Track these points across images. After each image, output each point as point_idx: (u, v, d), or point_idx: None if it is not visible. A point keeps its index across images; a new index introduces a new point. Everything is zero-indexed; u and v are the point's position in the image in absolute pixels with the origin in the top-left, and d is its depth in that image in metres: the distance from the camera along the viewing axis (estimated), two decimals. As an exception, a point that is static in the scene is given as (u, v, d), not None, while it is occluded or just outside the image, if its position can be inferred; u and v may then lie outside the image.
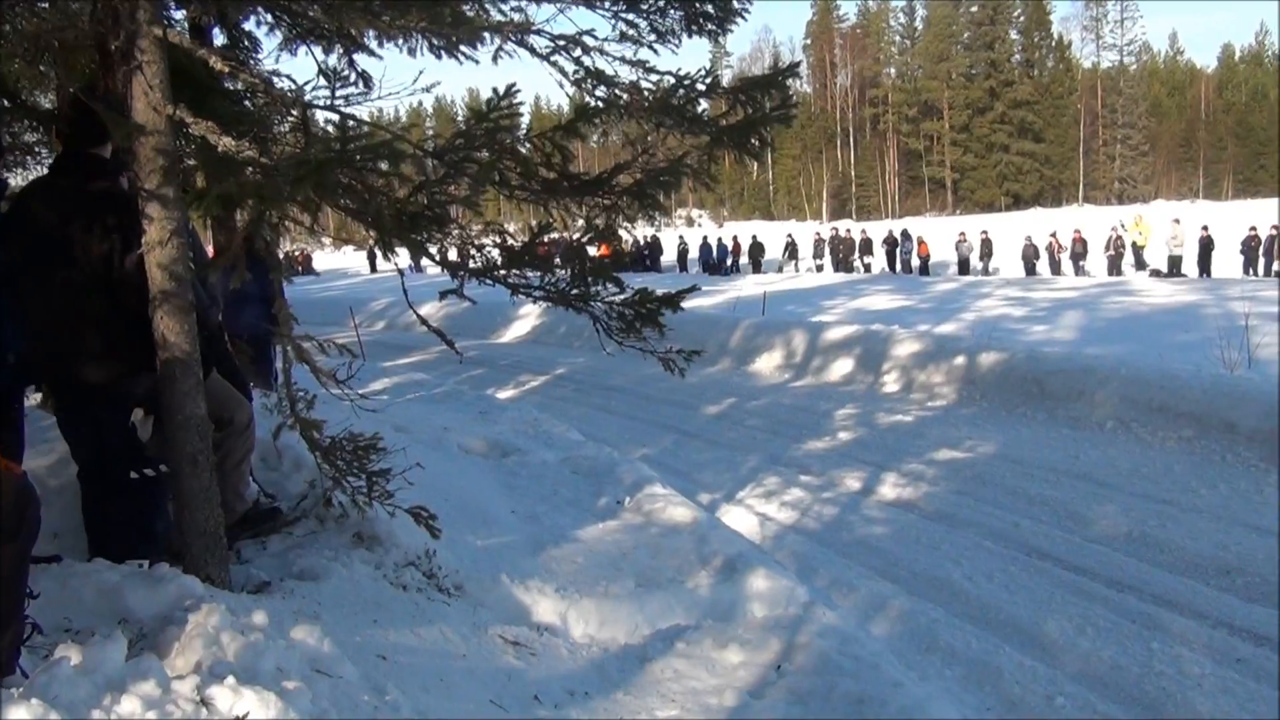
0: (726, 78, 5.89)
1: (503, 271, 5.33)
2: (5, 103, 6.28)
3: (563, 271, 5.47)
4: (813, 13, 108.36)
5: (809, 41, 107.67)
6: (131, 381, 4.40)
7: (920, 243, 42.42)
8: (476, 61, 5.57)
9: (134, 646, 3.32)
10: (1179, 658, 5.73)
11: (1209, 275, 31.53)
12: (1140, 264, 35.97)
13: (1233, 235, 33.77)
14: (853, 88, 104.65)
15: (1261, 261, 32.38)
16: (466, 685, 4.22)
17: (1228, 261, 32.84)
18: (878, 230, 49.98)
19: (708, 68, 5.68)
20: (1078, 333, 17.79)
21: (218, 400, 4.80)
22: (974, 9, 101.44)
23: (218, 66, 4.28)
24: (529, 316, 22.35)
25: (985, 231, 42.51)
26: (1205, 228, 33.91)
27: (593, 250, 5.90)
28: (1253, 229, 33.28)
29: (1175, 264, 33.53)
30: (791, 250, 48.31)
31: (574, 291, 5.52)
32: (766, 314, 20.03)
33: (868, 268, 44.24)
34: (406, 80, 5.87)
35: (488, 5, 5.50)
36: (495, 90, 5.09)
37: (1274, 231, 32.32)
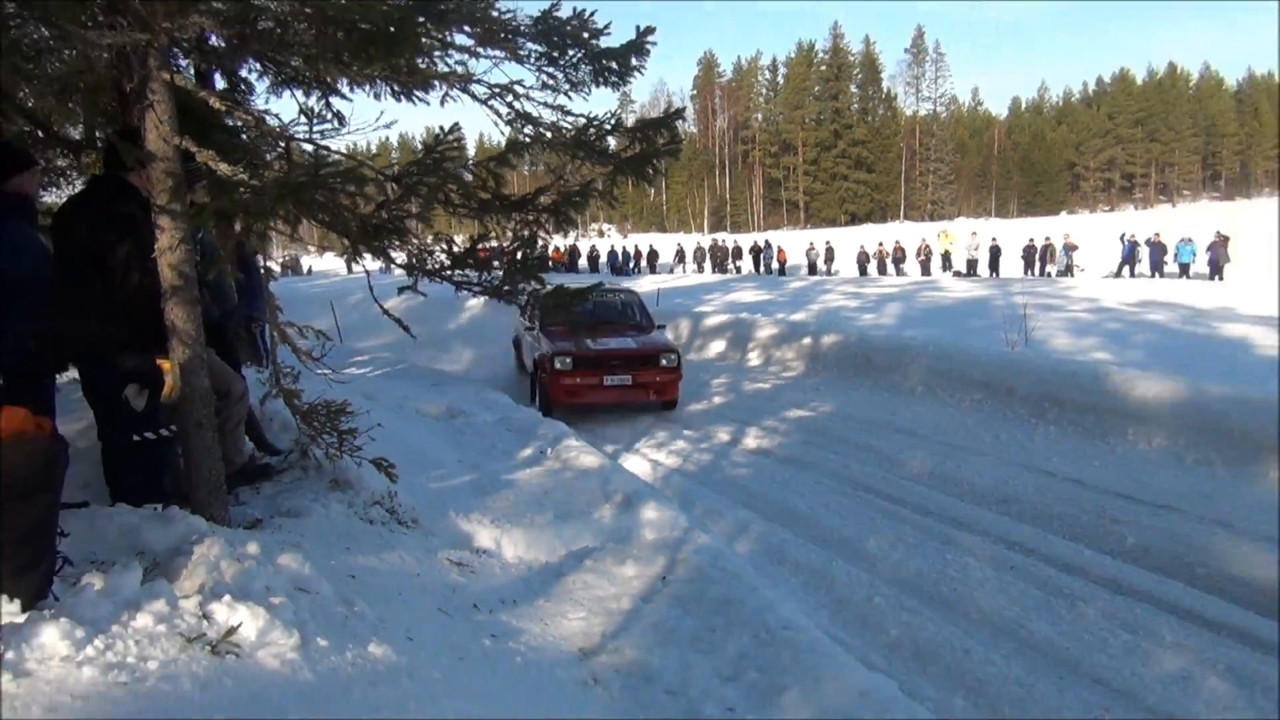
0: (630, 120, 5.95)
1: (449, 271, 5.32)
2: (40, 133, 6.09)
3: (497, 271, 5.46)
4: (698, 69, 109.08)
5: (695, 92, 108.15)
6: (120, 358, 4.29)
7: (779, 250, 42.91)
8: (428, 103, 5.51)
9: (149, 574, 3.24)
10: (967, 566, 5.85)
11: (997, 275, 32.24)
12: (946, 266, 36.65)
13: (1016, 245, 34.61)
14: (728, 129, 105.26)
15: (1037, 265, 33.19)
16: (419, 597, 4.20)
17: (1011, 265, 33.62)
18: (746, 240, 50.40)
19: (613, 111, 5.70)
20: (897, 319, 18.05)
21: (217, 375, 4.71)
22: (823, 68, 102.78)
23: (217, 106, 4.19)
24: (475, 308, 22.12)
25: (829, 242, 43.26)
26: (995, 239, 34.83)
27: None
28: (1030, 240, 34.19)
29: (972, 266, 34.28)
30: (680, 256, 48.60)
31: (505, 287, 5.51)
32: (660, 305, 20.05)
33: (739, 270, 44.59)
34: (376, 119, 5.80)
35: (436, 59, 5.45)
36: (441, 128, 5.08)
37: (1047, 241, 33.16)
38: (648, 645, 4.22)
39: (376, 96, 5.39)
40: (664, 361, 10.89)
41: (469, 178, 5.48)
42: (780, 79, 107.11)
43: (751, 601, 4.56)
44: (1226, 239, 27.80)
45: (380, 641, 3.24)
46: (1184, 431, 8.14)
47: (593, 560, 5.26)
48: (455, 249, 5.39)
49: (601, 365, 10.67)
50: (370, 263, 5.08)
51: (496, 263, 5.46)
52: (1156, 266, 29.58)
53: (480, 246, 5.41)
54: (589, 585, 4.92)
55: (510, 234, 5.46)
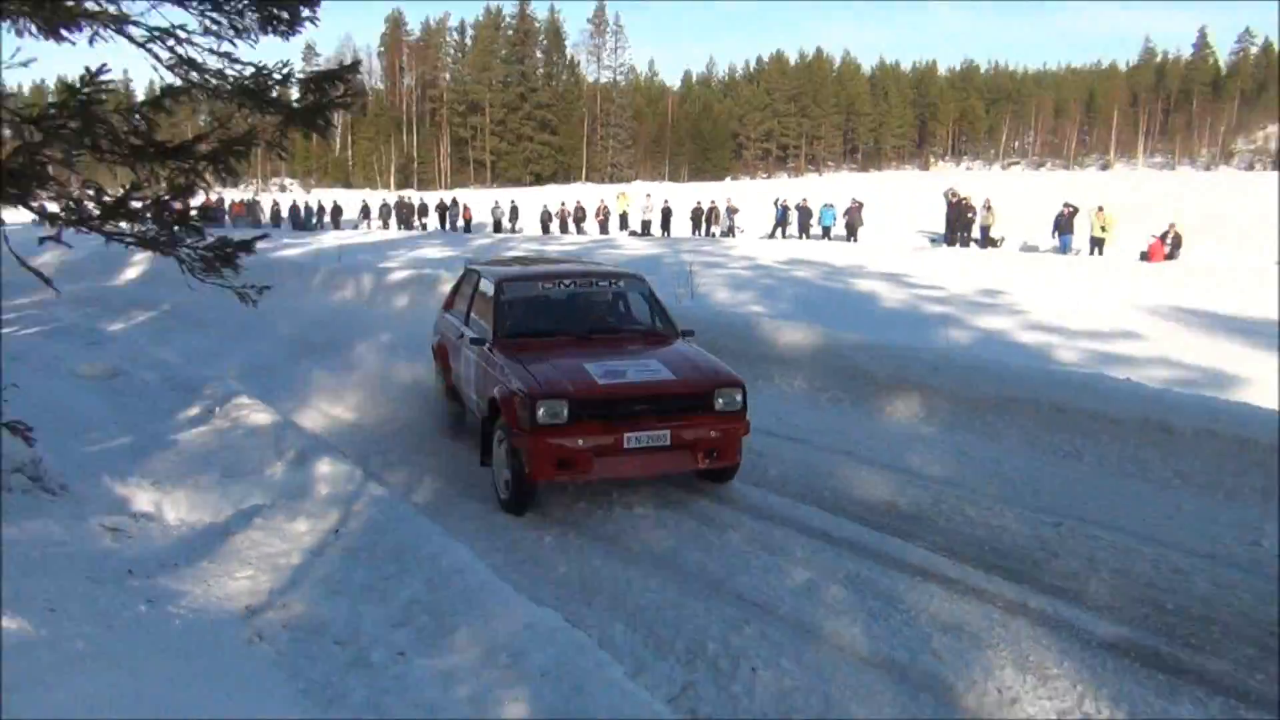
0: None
1: (98, 222, 4.93)
2: None
3: (152, 223, 5.11)
4: (386, 26, 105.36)
5: (383, 49, 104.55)
6: None
7: (465, 208, 42.39)
8: (73, 44, 5.03)
9: None
10: (630, 504, 6.03)
11: (669, 235, 33.57)
12: (623, 226, 37.75)
13: (685, 207, 36.22)
14: (417, 86, 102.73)
15: (703, 226, 34.92)
16: (65, 565, 3.86)
17: (682, 225, 35.19)
18: (433, 198, 49.40)
19: (285, 61, 5.43)
20: (577, 276, 18.36)
21: None
22: (510, 33, 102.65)
23: None
24: (142, 262, 20.23)
25: (514, 200, 43.27)
26: (667, 201, 36.25)
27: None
28: (699, 202, 35.85)
29: (646, 226, 35.50)
30: (365, 212, 46.94)
31: (162, 238, 5.18)
32: (342, 261, 19.34)
33: (424, 227, 43.67)
34: (12, 55, 5.19)
35: (86, -4, 5.01)
36: (87, 69, 4.67)
37: (713, 204, 34.92)
38: (317, 598, 4.12)
39: (19, 33, 4.88)
40: (721, 402, 6.03)
41: (119, 123, 5.07)
42: (469, 41, 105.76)
43: (425, 549, 4.55)
44: (860, 205, 30.55)
45: (15, 615, 2.96)
46: (820, 373, 8.88)
47: (263, 518, 5.05)
48: (106, 198, 4.99)
49: (620, 415, 5.82)
50: (7, 212, 4.61)
51: (167, 214, 5.14)
52: (804, 229, 31.92)
53: (142, 196, 5.06)
54: (257, 543, 4.72)
55: (165, 183, 5.10)
